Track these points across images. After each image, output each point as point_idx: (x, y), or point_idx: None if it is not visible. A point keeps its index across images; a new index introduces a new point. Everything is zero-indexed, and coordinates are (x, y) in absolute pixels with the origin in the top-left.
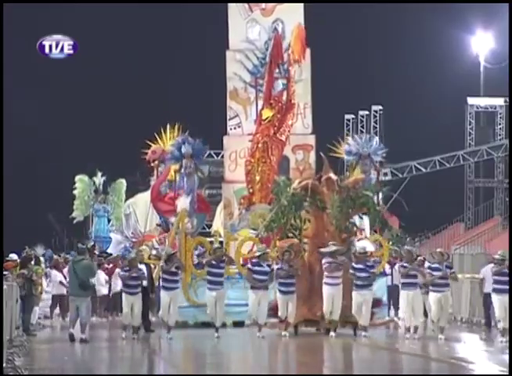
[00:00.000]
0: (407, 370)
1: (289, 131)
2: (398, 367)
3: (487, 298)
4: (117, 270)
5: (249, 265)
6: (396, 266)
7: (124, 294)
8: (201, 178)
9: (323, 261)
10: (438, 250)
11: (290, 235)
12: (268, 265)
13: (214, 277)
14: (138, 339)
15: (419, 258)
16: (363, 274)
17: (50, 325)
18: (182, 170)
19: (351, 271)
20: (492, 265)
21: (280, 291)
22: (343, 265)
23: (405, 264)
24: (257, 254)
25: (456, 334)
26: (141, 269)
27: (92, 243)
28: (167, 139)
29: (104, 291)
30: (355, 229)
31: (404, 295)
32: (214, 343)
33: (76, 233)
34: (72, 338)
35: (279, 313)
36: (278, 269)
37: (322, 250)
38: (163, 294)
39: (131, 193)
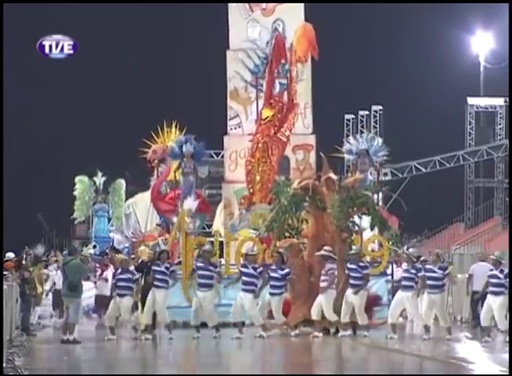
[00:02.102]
0: (407, 370)
1: (290, 131)
2: (398, 367)
3: (476, 296)
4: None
5: (240, 267)
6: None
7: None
8: (201, 179)
9: (328, 266)
10: (436, 251)
11: (287, 235)
12: (254, 268)
13: (201, 279)
14: (151, 339)
15: (422, 258)
16: (355, 274)
17: (52, 325)
18: (181, 169)
19: (345, 271)
20: (484, 263)
21: (270, 293)
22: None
23: (405, 267)
24: (247, 254)
25: (456, 334)
26: (133, 272)
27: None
28: (166, 137)
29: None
30: (355, 228)
31: (398, 295)
32: (213, 343)
33: (65, 233)
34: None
35: (276, 318)
36: (271, 270)
37: (322, 253)
38: (151, 292)
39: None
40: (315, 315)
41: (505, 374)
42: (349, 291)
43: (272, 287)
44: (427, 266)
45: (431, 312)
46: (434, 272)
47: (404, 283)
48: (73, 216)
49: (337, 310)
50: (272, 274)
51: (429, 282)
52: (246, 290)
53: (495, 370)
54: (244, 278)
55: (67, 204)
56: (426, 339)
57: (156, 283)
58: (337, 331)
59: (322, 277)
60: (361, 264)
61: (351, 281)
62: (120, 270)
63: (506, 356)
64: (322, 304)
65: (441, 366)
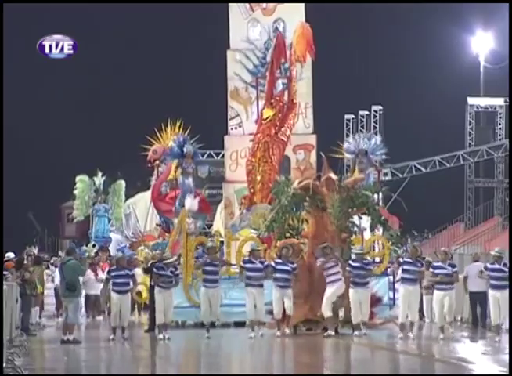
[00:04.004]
0: (407, 370)
1: (291, 130)
2: (398, 367)
3: (472, 297)
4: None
5: (241, 263)
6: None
7: (112, 294)
8: (201, 179)
9: (318, 262)
10: (442, 249)
11: (288, 235)
12: (261, 262)
13: (208, 275)
14: (127, 339)
15: (426, 258)
16: (360, 272)
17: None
18: (180, 169)
19: (348, 268)
20: (478, 263)
21: (276, 286)
22: (337, 262)
23: (407, 259)
24: (249, 250)
25: (456, 334)
26: (130, 269)
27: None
28: (167, 137)
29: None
30: (355, 228)
31: (401, 290)
32: (214, 343)
33: (57, 232)
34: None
35: (274, 312)
36: (276, 263)
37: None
38: (157, 292)
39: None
40: (325, 312)
41: (505, 374)
42: (355, 290)
43: (283, 281)
44: (436, 264)
45: (442, 310)
46: (445, 268)
47: (404, 275)
48: (72, 215)
49: (336, 308)
50: (282, 267)
51: (441, 279)
52: (254, 285)
53: (495, 370)
54: (251, 273)
55: (58, 203)
56: (411, 337)
57: (162, 284)
58: (337, 332)
59: (329, 271)
60: (365, 261)
61: (357, 279)
62: (115, 267)
63: (506, 356)
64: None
65: (441, 366)
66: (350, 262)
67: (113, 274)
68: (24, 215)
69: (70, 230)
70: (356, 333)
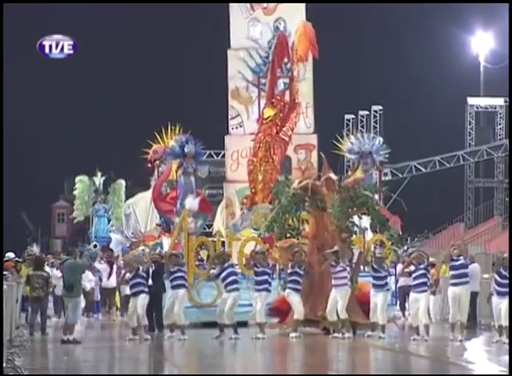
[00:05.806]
0: (408, 370)
1: (292, 130)
2: (399, 367)
3: (473, 297)
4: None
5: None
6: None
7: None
8: (201, 179)
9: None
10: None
11: (288, 235)
12: (267, 264)
13: (228, 279)
14: (140, 340)
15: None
16: (378, 274)
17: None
18: (181, 169)
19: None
20: (475, 264)
21: (293, 289)
22: (346, 266)
23: (418, 267)
24: (256, 252)
25: (456, 334)
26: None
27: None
28: (167, 138)
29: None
30: (355, 228)
31: (412, 296)
32: (214, 343)
33: (48, 232)
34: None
35: (299, 313)
36: (291, 272)
37: (327, 251)
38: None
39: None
40: (330, 316)
41: (505, 374)
42: (372, 291)
43: (295, 283)
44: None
45: (458, 307)
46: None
47: (416, 281)
48: (72, 215)
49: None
50: (297, 270)
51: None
52: (260, 289)
53: (495, 370)
54: (257, 278)
55: (50, 202)
56: (427, 339)
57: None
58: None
59: (338, 275)
60: (385, 266)
61: (375, 281)
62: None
63: (506, 356)
64: (336, 300)
65: (441, 366)
66: (373, 264)
67: (129, 277)
68: (18, 215)
69: (61, 230)
70: (369, 333)
